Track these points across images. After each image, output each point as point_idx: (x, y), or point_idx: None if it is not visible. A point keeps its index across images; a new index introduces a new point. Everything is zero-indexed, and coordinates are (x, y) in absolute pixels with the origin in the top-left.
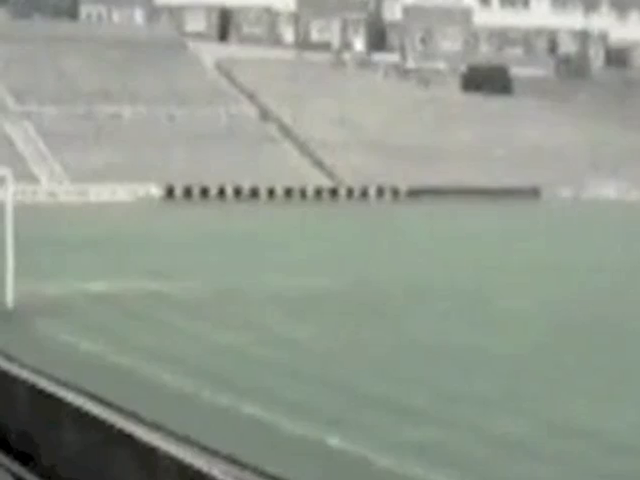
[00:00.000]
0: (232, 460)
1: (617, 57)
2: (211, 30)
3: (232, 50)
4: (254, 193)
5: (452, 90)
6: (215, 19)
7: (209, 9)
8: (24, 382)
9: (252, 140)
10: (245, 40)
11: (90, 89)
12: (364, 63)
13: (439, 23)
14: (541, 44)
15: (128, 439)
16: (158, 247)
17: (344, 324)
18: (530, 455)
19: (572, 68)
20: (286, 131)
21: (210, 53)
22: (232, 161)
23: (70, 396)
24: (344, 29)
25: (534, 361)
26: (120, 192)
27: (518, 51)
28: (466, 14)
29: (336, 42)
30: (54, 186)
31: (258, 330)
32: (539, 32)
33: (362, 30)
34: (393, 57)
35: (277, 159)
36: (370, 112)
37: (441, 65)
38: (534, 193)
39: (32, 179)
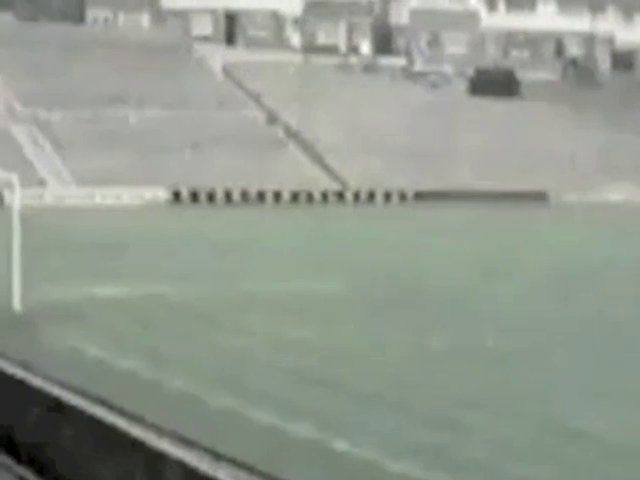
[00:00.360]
0: (238, 464)
1: (623, 60)
2: (218, 34)
3: (239, 54)
4: (261, 197)
5: (459, 93)
6: (221, 23)
7: (215, 13)
8: (32, 386)
9: (259, 144)
10: (252, 44)
11: (97, 93)
12: (371, 67)
13: (446, 27)
14: (548, 47)
15: (135, 443)
16: (165, 251)
17: (351, 327)
18: (540, 458)
19: (579, 71)
20: (293, 135)
21: (217, 57)
22: (239, 165)
23: (79, 401)
24: (351, 33)
25: (535, 362)
26: (127, 196)
27: (525, 54)
28: (473, 18)
29: (343, 46)
30: (61, 190)
31: (265, 334)
32: (546, 35)
33: (369, 34)
34: (400, 61)
35: (284, 163)
36: (377, 115)
37: (448, 68)
38: (541, 197)
39: (39, 183)
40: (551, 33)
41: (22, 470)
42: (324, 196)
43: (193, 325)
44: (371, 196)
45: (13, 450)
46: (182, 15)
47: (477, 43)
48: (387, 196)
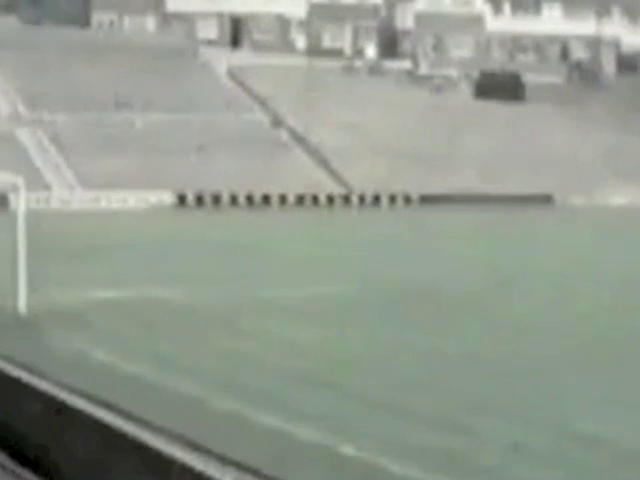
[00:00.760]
0: (244, 467)
1: (629, 63)
2: (223, 37)
3: (244, 57)
4: (266, 200)
5: (464, 97)
6: (227, 26)
7: (221, 16)
8: (36, 390)
9: (264, 147)
10: (257, 47)
11: (102, 96)
12: (376, 70)
13: (451, 30)
14: (553, 51)
15: (141, 447)
16: (170, 255)
17: (360, 331)
18: (546, 463)
19: (584, 74)
20: (298, 138)
21: (222, 60)
22: (244, 168)
23: (84, 404)
24: (356, 36)
25: (545, 368)
26: (132, 199)
27: (530, 58)
28: (478, 21)
29: (348, 49)
30: (66, 193)
31: (270, 337)
32: (551, 39)
33: (374, 37)
34: (405, 64)
35: (289, 166)
36: (382, 119)
37: (453, 72)
38: (547, 200)
39: (44, 186)
40: (556, 36)
41: (25, 473)
42: (329, 199)
43: (199, 329)
44: (376, 199)
45: (17, 454)
46: (187, 18)
47: (482, 46)
48: (392, 199)
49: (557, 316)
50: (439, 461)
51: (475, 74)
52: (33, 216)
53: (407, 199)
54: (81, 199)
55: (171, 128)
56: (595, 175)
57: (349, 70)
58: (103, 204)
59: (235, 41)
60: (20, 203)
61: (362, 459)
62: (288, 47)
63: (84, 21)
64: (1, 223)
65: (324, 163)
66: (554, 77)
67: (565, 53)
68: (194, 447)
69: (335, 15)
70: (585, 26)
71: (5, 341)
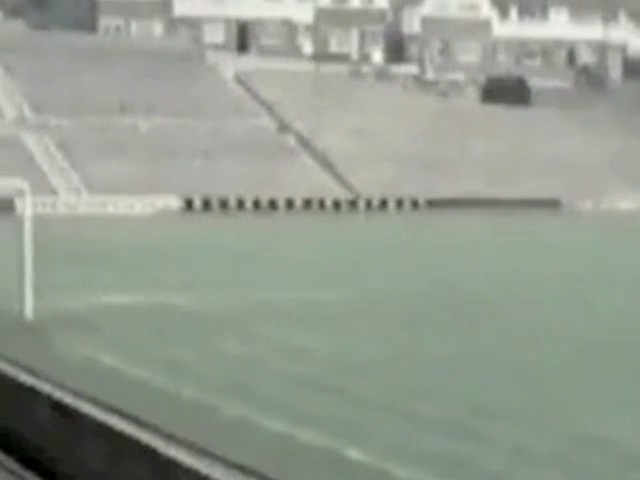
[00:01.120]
0: (250, 472)
1: (635, 68)
2: (230, 42)
3: (251, 62)
4: (273, 205)
5: (471, 101)
6: (234, 31)
7: (228, 21)
8: (44, 395)
9: (270, 152)
10: (264, 52)
11: (108, 101)
12: (383, 75)
13: (458, 35)
14: (560, 55)
15: (147, 451)
16: (178, 260)
17: (363, 337)
18: (548, 466)
19: (591, 79)
20: (304, 143)
21: (229, 65)
22: (251, 173)
23: (91, 409)
24: (363, 41)
25: (555, 372)
26: (139, 204)
27: (537, 62)
28: (485, 26)
29: (355, 54)
30: (72, 198)
31: (278, 342)
32: (558, 43)
33: (381, 42)
34: (412, 69)
35: (295, 171)
36: (389, 123)
37: (460, 77)
38: (554, 204)
39: (50, 191)
40: (563, 41)
41: (33, 478)
42: (336, 204)
43: (207, 333)
44: (383, 204)
45: (24, 458)
46: (194, 23)
47: (489, 51)
48: (399, 204)
49: (571, 319)
50: (446, 466)
51: (482, 79)
52: (39, 221)
53: (414, 203)
54: (87, 204)
55: (178, 133)
56: (602, 179)
57: (356, 75)
58: (109, 209)
59: (242, 46)
60: (26, 208)
61: (368, 463)
62: (295, 52)
63: (91, 26)
64: (7, 228)
65: (331, 168)
66: (561, 82)
67: (572, 58)
68: (199, 451)
69: (342, 20)
70: (592, 31)
71: (12, 346)
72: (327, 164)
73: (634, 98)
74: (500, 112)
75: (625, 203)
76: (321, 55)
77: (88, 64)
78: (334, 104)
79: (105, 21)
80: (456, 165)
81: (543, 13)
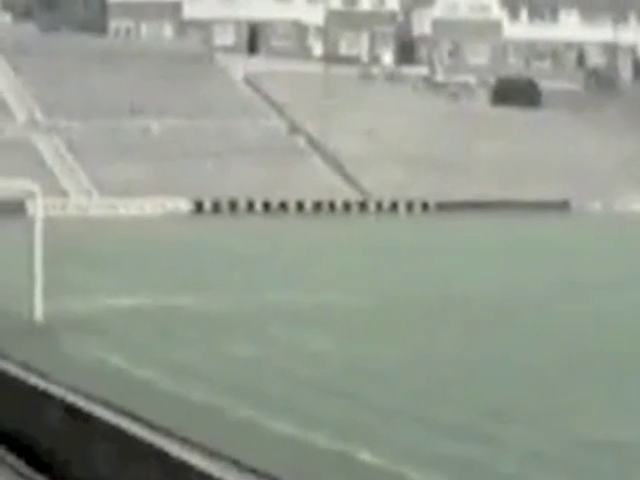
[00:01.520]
0: (262, 474)
1: None
2: (240, 44)
3: (261, 64)
4: (283, 207)
5: (481, 103)
6: (244, 33)
7: (238, 23)
8: (54, 398)
9: (281, 154)
10: (274, 54)
11: (118, 103)
12: (393, 76)
13: (468, 36)
14: (570, 57)
15: (160, 455)
16: (187, 262)
17: (376, 340)
18: (562, 470)
19: (601, 81)
20: (315, 144)
21: (239, 67)
22: (261, 175)
23: (100, 411)
24: (373, 42)
25: (563, 374)
26: (149, 206)
27: (547, 64)
28: (495, 27)
29: (365, 56)
30: (83, 200)
31: (285, 345)
32: (568, 45)
33: (391, 43)
34: (422, 70)
35: (306, 173)
36: (399, 125)
37: (470, 78)
38: (563, 206)
39: (61, 193)
40: (573, 43)
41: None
42: (346, 206)
43: (215, 335)
44: (394, 206)
45: (35, 461)
46: (204, 25)
47: (499, 53)
48: (409, 206)
49: (585, 323)
50: (460, 469)
51: (492, 81)
52: (50, 223)
53: (424, 206)
54: (98, 206)
55: (188, 134)
56: (612, 181)
57: (366, 77)
58: (120, 211)
59: (252, 47)
60: (37, 210)
61: (381, 467)
62: (305, 54)
63: (101, 28)
64: (18, 230)
65: (341, 169)
66: (571, 83)
67: (582, 59)
68: (212, 454)
69: (352, 22)
70: (602, 32)
71: (21, 348)
72: (337, 166)
73: None
74: (510, 114)
75: (636, 205)
76: (331, 57)
77: (98, 66)
78: (344, 106)
79: (115, 23)
80: (466, 167)
81: (553, 15)
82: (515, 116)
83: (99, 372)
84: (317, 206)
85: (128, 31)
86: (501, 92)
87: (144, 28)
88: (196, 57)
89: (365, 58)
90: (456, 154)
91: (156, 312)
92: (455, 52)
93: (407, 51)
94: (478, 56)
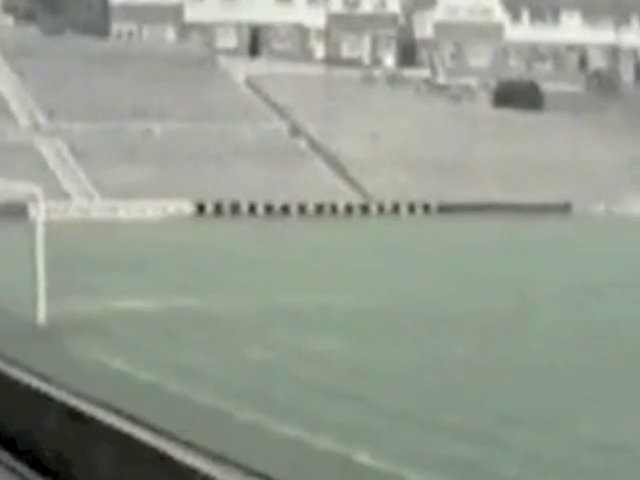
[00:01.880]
0: (266, 477)
1: None
2: (242, 46)
3: (263, 66)
4: (285, 209)
5: (483, 106)
6: (245, 36)
7: (239, 26)
8: (57, 401)
9: (282, 156)
10: (276, 56)
11: (120, 106)
12: (395, 79)
13: (469, 39)
14: (571, 59)
15: (162, 457)
16: (190, 264)
17: (376, 342)
18: (564, 472)
19: (603, 83)
20: (316, 147)
21: (241, 69)
22: (262, 177)
23: (103, 415)
24: (375, 45)
25: (567, 377)
26: (151, 209)
27: (548, 66)
28: (496, 30)
29: (366, 58)
30: (85, 203)
31: (291, 347)
32: (569, 47)
33: (393, 46)
34: (424, 73)
35: (307, 175)
36: (401, 128)
37: (472, 81)
38: (565, 208)
39: (63, 196)
40: (575, 45)
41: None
42: (348, 208)
43: (218, 338)
44: (395, 208)
45: (37, 464)
46: (206, 28)
47: (501, 55)
48: (411, 208)
49: (596, 325)
50: (462, 473)
51: (493, 83)
52: (52, 225)
53: (426, 208)
54: (100, 208)
55: (190, 137)
56: (614, 184)
57: (368, 79)
58: (122, 213)
59: (254, 50)
60: (39, 213)
61: (382, 469)
62: (307, 56)
63: (103, 31)
64: (20, 232)
65: (343, 172)
66: (572, 86)
67: (583, 62)
68: (216, 458)
69: (354, 24)
70: (604, 35)
71: (24, 351)
72: (339, 168)
73: None
74: (512, 116)
75: (638, 207)
76: (333, 60)
77: (101, 69)
78: (346, 108)
79: (118, 26)
80: (468, 169)
81: (555, 17)
82: (517, 118)
83: (102, 375)
84: (319, 209)
85: (130, 34)
86: (503, 94)
87: (146, 31)
88: (198, 60)
89: (367, 61)
90: (458, 156)
91: (160, 314)
92: (457, 54)
93: (409, 54)
94: (480, 58)
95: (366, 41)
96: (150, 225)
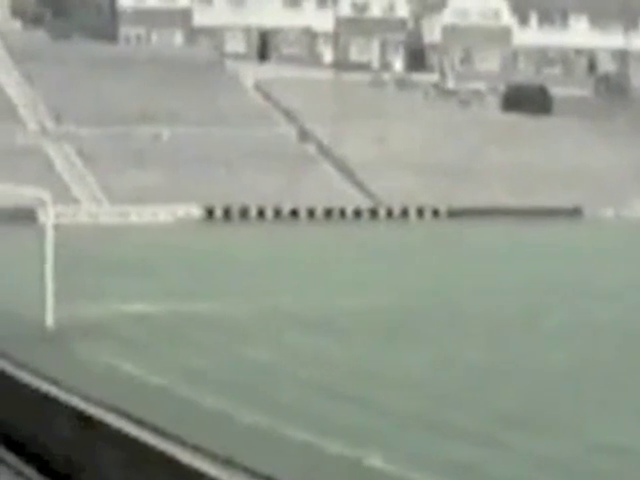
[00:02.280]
0: None
1: None
2: (250, 51)
3: (271, 70)
4: (294, 213)
5: (491, 110)
6: (254, 40)
7: (248, 30)
8: (66, 405)
9: (291, 160)
10: (284, 60)
11: (129, 110)
12: (403, 83)
13: (478, 43)
14: (580, 63)
15: (170, 460)
16: (197, 268)
17: (385, 344)
18: (570, 475)
19: (611, 87)
20: (325, 151)
21: (249, 74)
22: (271, 182)
23: (111, 418)
24: (383, 49)
25: (574, 379)
26: (160, 213)
27: (557, 71)
28: (505, 34)
29: (375, 62)
30: (94, 207)
31: (297, 350)
32: (578, 51)
33: (401, 50)
34: (432, 77)
35: (316, 179)
36: (409, 132)
37: (480, 85)
38: (576, 213)
39: (72, 200)
40: (583, 49)
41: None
42: (357, 213)
43: (226, 342)
44: (404, 213)
45: (46, 468)
46: (215, 32)
47: (509, 59)
48: (420, 213)
49: (606, 329)
50: (468, 475)
51: (502, 87)
52: (61, 230)
53: (435, 212)
54: (108, 213)
55: (198, 141)
56: (623, 188)
57: (376, 83)
58: (130, 218)
59: (262, 54)
60: (48, 217)
61: (390, 472)
62: (315, 60)
63: (112, 35)
64: (29, 237)
65: (351, 176)
66: (581, 90)
67: (592, 66)
68: (223, 461)
69: (362, 29)
70: (612, 39)
71: (33, 355)
72: (348, 172)
73: None
74: (521, 121)
75: None
76: (342, 64)
77: (109, 73)
78: (355, 112)
79: (126, 30)
80: (477, 174)
81: (563, 21)
82: (525, 123)
83: (111, 379)
84: (328, 213)
85: (139, 38)
86: (512, 99)
87: (155, 35)
88: (206, 64)
89: (375, 65)
90: (467, 161)
91: (168, 318)
92: (465, 59)
93: (417, 58)
94: (488, 63)
95: (375, 45)
96: (159, 230)
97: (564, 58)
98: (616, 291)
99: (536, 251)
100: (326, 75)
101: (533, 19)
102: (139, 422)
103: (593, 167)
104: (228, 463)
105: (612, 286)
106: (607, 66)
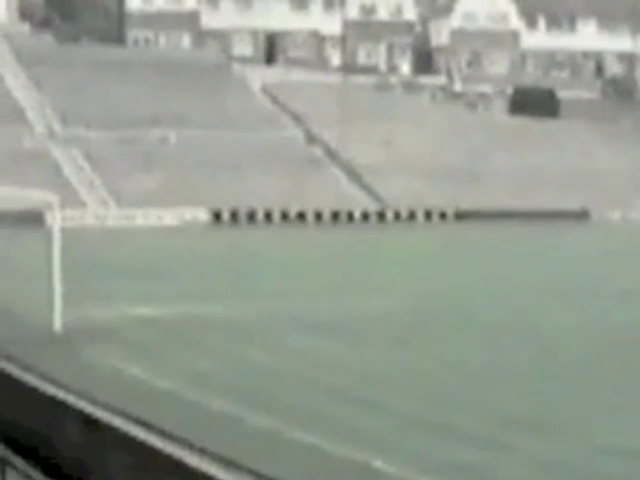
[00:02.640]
0: None
1: None
2: (258, 54)
3: (279, 74)
4: (301, 217)
5: (499, 113)
6: (262, 43)
7: (256, 33)
8: (73, 408)
9: (298, 164)
10: (292, 64)
11: (136, 113)
12: (411, 86)
13: (486, 46)
14: (588, 66)
15: (178, 464)
16: (205, 271)
17: (392, 347)
18: (575, 478)
19: (619, 90)
20: (332, 154)
21: (257, 77)
22: (278, 185)
23: (119, 421)
24: (391, 52)
25: (584, 382)
26: (167, 216)
27: (565, 74)
28: (513, 37)
29: (383, 65)
30: (101, 211)
31: (303, 353)
32: (586, 54)
33: (409, 53)
34: (440, 80)
35: (323, 183)
36: (417, 135)
37: (488, 88)
38: (583, 216)
39: (79, 204)
40: (591, 52)
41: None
42: (364, 216)
43: (236, 345)
44: (411, 215)
45: (54, 472)
46: (222, 35)
47: (517, 62)
48: (428, 215)
49: (614, 332)
50: (472, 478)
51: (510, 90)
52: (68, 233)
53: (442, 215)
54: (116, 216)
55: (205, 145)
56: (631, 191)
57: (384, 86)
58: (138, 221)
59: (270, 58)
60: (55, 221)
61: (396, 475)
62: (323, 64)
63: (119, 38)
64: (37, 240)
65: (358, 179)
66: (589, 93)
67: (600, 69)
68: (231, 464)
69: (370, 32)
70: (620, 42)
71: (41, 358)
72: (355, 175)
73: None
74: (528, 124)
75: None
76: (349, 67)
77: (117, 76)
78: (362, 115)
79: (133, 33)
80: (485, 176)
81: (571, 24)
82: (533, 126)
83: (118, 382)
84: (335, 216)
85: (146, 41)
86: (519, 102)
87: (162, 38)
88: (214, 67)
89: (383, 68)
90: (474, 163)
91: (176, 321)
92: (473, 62)
93: (425, 61)
94: (496, 66)
95: (382, 48)
96: (166, 233)
97: (572, 61)
98: (628, 294)
99: (545, 254)
100: (333, 78)
101: (541, 22)
102: (146, 425)
103: (600, 170)
104: (235, 466)
105: (624, 289)
106: (615, 69)
